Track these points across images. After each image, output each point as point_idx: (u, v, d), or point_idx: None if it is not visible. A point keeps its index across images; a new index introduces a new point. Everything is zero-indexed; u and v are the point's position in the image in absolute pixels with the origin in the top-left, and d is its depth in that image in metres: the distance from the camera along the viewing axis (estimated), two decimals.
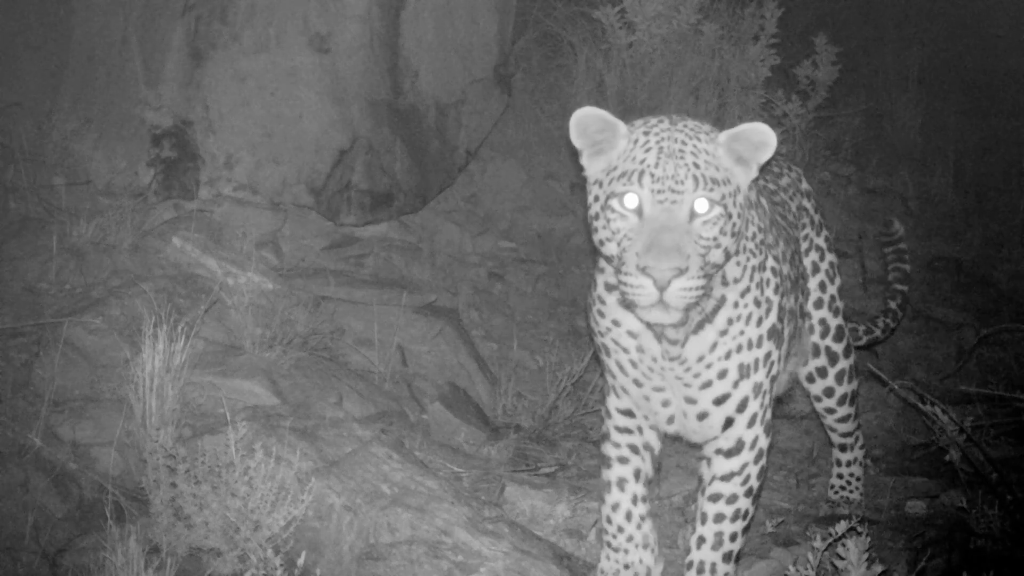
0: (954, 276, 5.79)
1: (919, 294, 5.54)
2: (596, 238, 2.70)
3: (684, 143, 2.65)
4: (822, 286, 3.54)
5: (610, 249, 2.66)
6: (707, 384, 2.88)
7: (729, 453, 2.92)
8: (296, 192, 4.93)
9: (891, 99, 7.24)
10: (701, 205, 2.59)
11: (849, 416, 3.69)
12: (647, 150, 2.64)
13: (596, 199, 2.69)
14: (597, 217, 2.68)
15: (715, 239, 2.61)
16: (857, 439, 3.79)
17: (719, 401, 2.89)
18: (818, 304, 3.54)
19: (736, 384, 2.88)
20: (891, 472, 4.12)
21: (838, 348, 3.57)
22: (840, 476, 3.81)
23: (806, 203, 3.59)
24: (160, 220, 4.71)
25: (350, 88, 5.01)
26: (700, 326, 2.82)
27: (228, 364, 3.93)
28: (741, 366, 2.87)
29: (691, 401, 2.92)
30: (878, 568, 2.71)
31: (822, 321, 3.54)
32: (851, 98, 7.07)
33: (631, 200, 2.60)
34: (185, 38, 4.91)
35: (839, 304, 3.59)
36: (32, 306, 4.08)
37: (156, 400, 3.40)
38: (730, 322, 2.84)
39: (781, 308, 3.00)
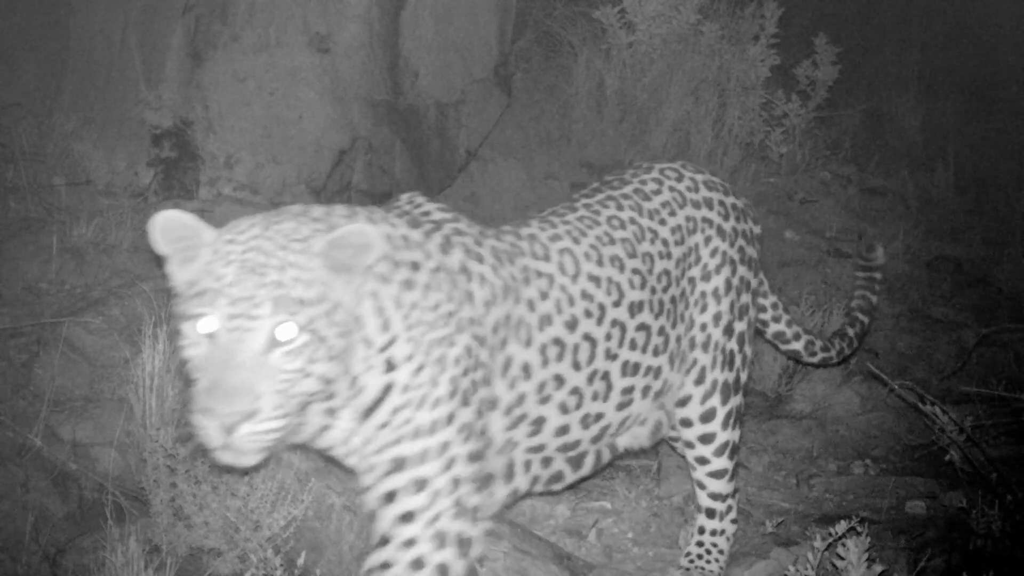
0: (954, 276, 5.79)
1: (919, 294, 5.54)
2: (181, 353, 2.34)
3: (269, 255, 2.28)
4: (717, 319, 3.07)
5: (187, 370, 2.30)
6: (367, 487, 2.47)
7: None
8: (296, 192, 4.92)
9: (891, 99, 7.25)
10: (284, 331, 2.23)
11: (726, 472, 3.20)
12: (227, 264, 2.27)
13: (179, 315, 2.31)
14: (178, 332, 2.31)
15: (302, 369, 2.25)
16: (730, 508, 3.27)
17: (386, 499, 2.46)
18: (704, 346, 3.06)
19: (388, 475, 2.44)
20: (891, 472, 4.12)
21: (723, 406, 3.11)
22: (700, 544, 3.30)
23: (699, 213, 3.08)
24: None
25: (350, 88, 5.01)
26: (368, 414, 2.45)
27: None
28: (396, 459, 2.44)
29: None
30: (878, 568, 2.71)
31: (719, 347, 3.08)
32: (851, 98, 7.07)
33: (206, 324, 2.23)
34: (185, 38, 4.91)
35: (735, 349, 3.13)
36: (32, 306, 4.08)
37: (156, 400, 3.40)
38: (395, 411, 2.45)
39: (472, 387, 2.51)
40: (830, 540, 2.79)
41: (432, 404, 2.46)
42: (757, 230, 3.33)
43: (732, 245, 3.15)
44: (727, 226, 3.15)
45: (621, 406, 2.86)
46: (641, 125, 5.97)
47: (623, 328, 2.83)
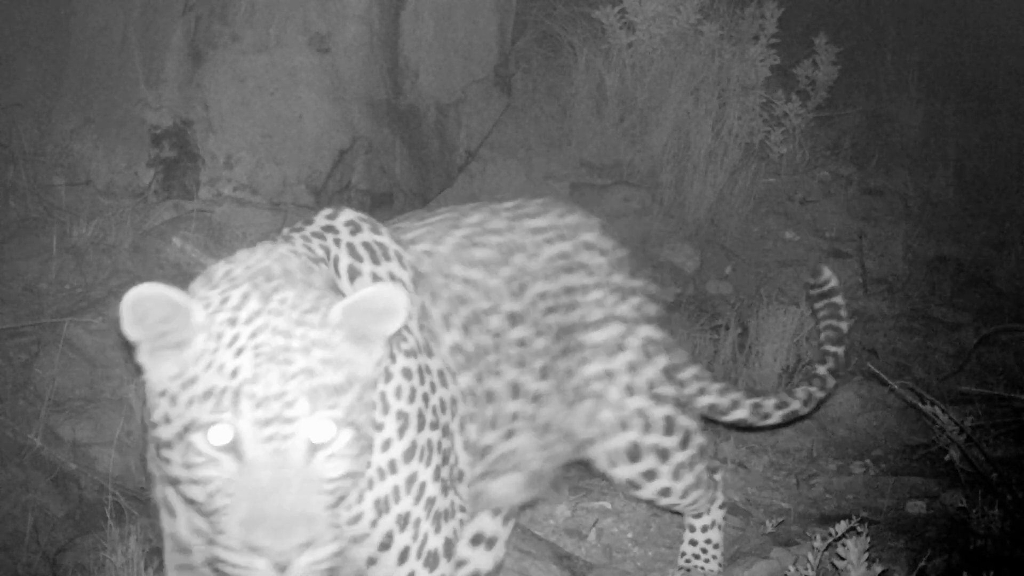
0: (954, 276, 5.78)
1: (919, 294, 5.54)
2: (170, 472, 1.91)
3: (289, 335, 1.89)
4: (631, 367, 2.79)
5: (195, 494, 1.88)
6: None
7: None
8: (296, 192, 4.92)
9: (891, 99, 7.24)
10: (323, 432, 1.86)
11: (698, 497, 3.06)
12: (239, 353, 1.86)
13: (167, 420, 1.88)
14: (170, 446, 1.87)
15: (349, 473, 1.91)
16: (713, 499, 3.18)
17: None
18: (628, 390, 2.79)
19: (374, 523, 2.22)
20: (891, 472, 4.12)
21: (669, 442, 2.87)
22: (694, 543, 3.24)
23: (587, 258, 2.76)
24: (160, 220, 4.71)
25: (350, 88, 5.01)
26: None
27: None
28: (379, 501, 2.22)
29: None
30: (878, 568, 2.71)
31: (639, 412, 2.81)
32: (851, 98, 7.06)
33: (220, 435, 1.83)
34: (185, 38, 4.91)
35: (665, 390, 2.86)
36: (32, 306, 4.08)
37: None
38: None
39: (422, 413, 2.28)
40: (830, 540, 2.79)
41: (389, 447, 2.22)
42: (652, 289, 2.98)
43: (624, 300, 2.83)
44: (617, 279, 2.83)
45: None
46: (641, 125, 5.97)
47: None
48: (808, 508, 3.85)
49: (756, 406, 3.21)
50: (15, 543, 3.15)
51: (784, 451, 4.27)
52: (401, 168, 5.18)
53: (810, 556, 2.81)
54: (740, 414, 3.20)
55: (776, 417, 3.28)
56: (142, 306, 1.88)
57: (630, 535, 3.62)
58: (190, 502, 1.93)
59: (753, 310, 4.69)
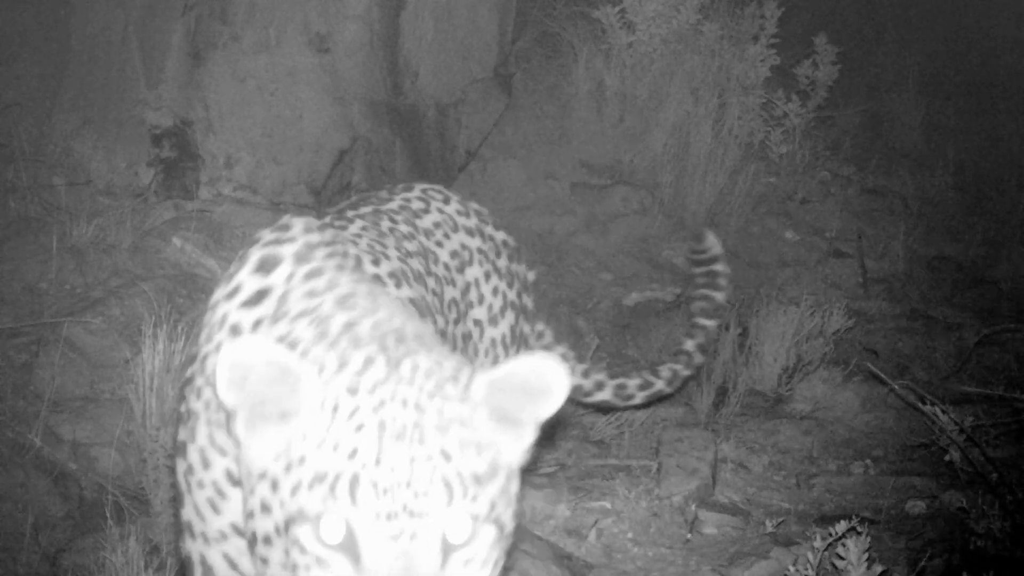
0: (954, 276, 5.78)
1: (919, 294, 5.54)
2: (269, 573, 1.63)
3: (422, 409, 1.58)
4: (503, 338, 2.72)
5: None
6: None
7: None
8: (296, 192, 4.93)
9: (891, 99, 7.24)
10: (461, 530, 1.56)
11: None
12: (359, 428, 1.55)
13: (266, 509, 1.60)
14: (269, 542, 1.61)
15: None
16: None
17: None
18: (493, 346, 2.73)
19: None
20: (891, 472, 4.12)
21: None
22: None
23: (471, 242, 2.67)
24: (160, 220, 4.71)
25: (350, 88, 5.01)
26: None
27: None
28: None
29: None
30: (878, 568, 2.71)
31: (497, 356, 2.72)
32: (851, 98, 7.07)
33: (334, 530, 1.53)
34: (185, 38, 4.91)
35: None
36: (32, 306, 4.08)
37: (156, 400, 3.40)
38: None
39: None
40: (830, 540, 2.79)
41: None
42: (532, 276, 2.96)
43: (511, 287, 2.77)
44: (502, 265, 2.76)
45: None
46: (641, 125, 5.97)
47: None
48: (808, 508, 3.85)
49: (620, 387, 3.24)
50: (15, 543, 3.15)
51: (784, 451, 4.27)
52: (401, 168, 5.18)
53: (810, 556, 2.81)
54: (604, 395, 3.24)
55: (640, 398, 3.29)
56: (242, 367, 1.57)
57: (630, 535, 3.62)
58: None
59: (753, 310, 4.69)
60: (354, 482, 1.52)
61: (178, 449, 1.98)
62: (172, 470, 2.01)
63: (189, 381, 2.02)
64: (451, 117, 5.47)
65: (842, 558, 2.72)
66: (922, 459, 4.15)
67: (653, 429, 4.16)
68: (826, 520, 3.51)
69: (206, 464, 1.89)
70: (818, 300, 4.86)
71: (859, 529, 2.76)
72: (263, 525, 1.61)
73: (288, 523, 1.56)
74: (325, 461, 1.54)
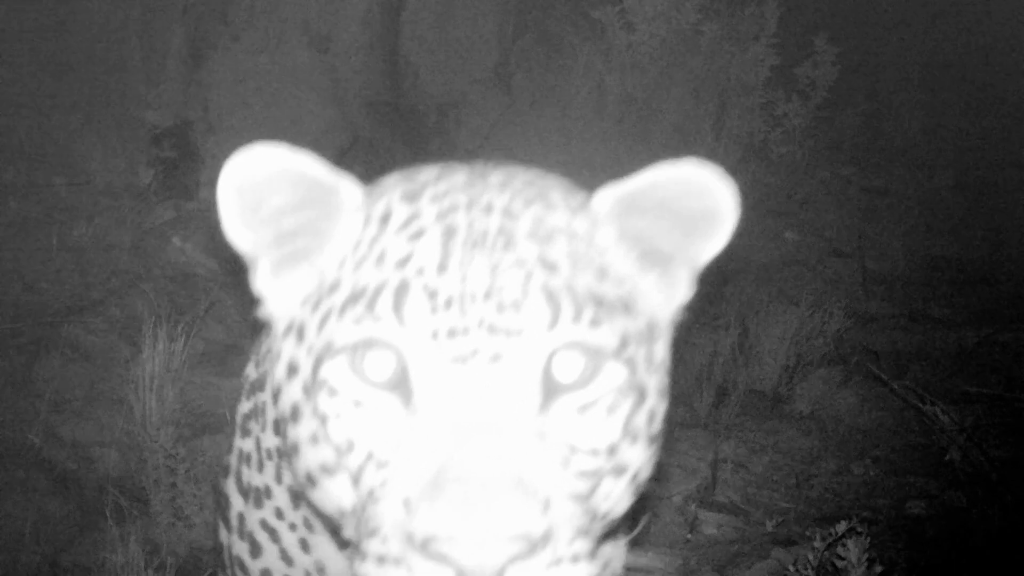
0: (954, 276, 5.78)
1: (919, 294, 5.54)
2: (300, 465, 1.23)
3: (513, 215, 1.22)
4: None
5: (335, 492, 1.20)
6: None
7: None
8: None
9: (891, 99, 7.25)
10: (572, 363, 1.17)
11: None
12: (416, 235, 1.20)
13: (292, 370, 1.24)
14: (297, 416, 1.22)
15: (611, 448, 1.19)
16: None
17: None
18: None
19: None
20: (891, 472, 4.12)
21: None
22: None
23: None
24: (160, 220, 4.72)
25: (350, 88, 5.02)
26: None
27: (228, 364, 3.93)
28: None
29: None
30: (878, 568, 2.71)
31: None
32: (851, 98, 7.07)
33: (375, 359, 1.16)
34: (185, 38, 4.91)
35: None
36: (32, 306, 4.08)
37: (156, 400, 3.40)
38: None
39: None
40: (830, 540, 2.79)
41: None
42: None
43: None
44: None
45: None
46: (641, 125, 5.98)
47: None
48: (808, 508, 3.85)
49: None
50: (15, 543, 3.15)
51: (784, 451, 4.26)
52: (401, 168, 5.19)
53: (810, 556, 2.81)
54: None
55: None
56: (256, 186, 1.26)
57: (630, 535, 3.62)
58: (317, 512, 1.29)
59: (753, 310, 4.68)
60: (401, 291, 1.15)
61: (253, 496, 1.54)
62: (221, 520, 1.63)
63: (253, 415, 1.56)
64: (451, 117, 5.47)
65: (842, 558, 2.72)
66: (922, 459, 4.14)
67: None
68: (826, 520, 3.51)
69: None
70: (818, 300, 4.86)
71: (859, 529, 2.76)
72: (290, 394, 1.23)
73: (316, 368, 1.19)
74: (365, 277, 1.18)
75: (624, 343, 1.21)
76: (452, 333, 1.14)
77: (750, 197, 5.89)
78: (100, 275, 4.33)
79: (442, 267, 1.17)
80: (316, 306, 1.24)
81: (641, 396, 1.23)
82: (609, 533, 1.32)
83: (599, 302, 1.20)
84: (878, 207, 6.34)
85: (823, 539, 2.80)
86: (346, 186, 1.27)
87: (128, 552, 2.91)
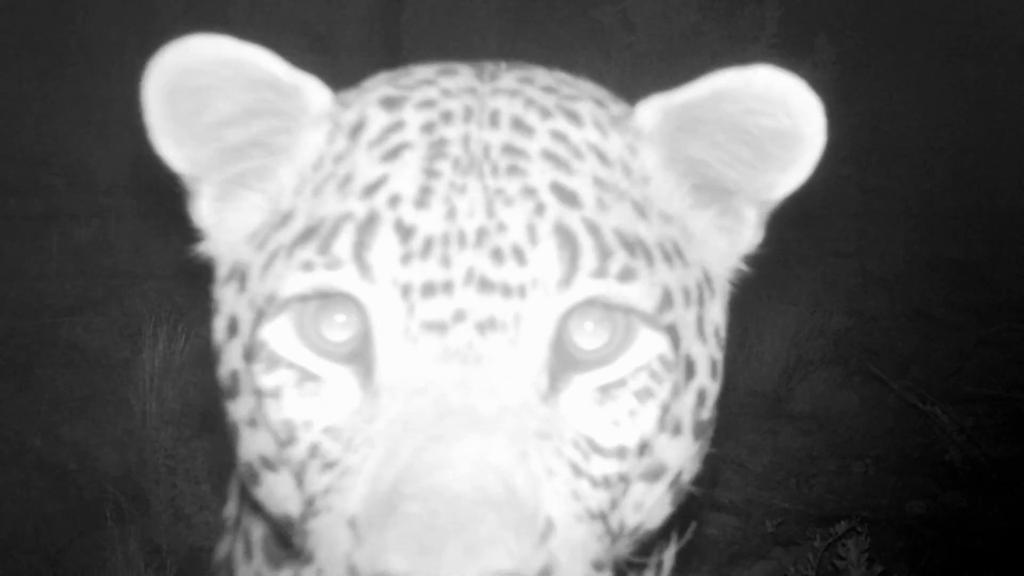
0: (954, 276, 5.78)
1: (919, 294, 5.54)
2: (240, 454, 1.02)
3: (526, 128, 0.97)
4: None
5: (278, 492, 0.97)
6: None
7: None
8: None
9: (891, 99, 7.24)
10: (592, 330, 0.94)
11: None
12: (390, 154, 0.96)
13: (232, 329, 1.00)
14: (235, 389, 1.01)
15: (644, 445, 0.94)
16: None
17: None
18: None
19: None
20: (891, 472, 4.12)
21: None
22: None
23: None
24: (160, 220, 4.72)
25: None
26: None
27: None
28: None
29: None
30: (878, 568, 2.71)
31: None
32: (851, 98, 7.06)
33: (335, 326, 0.94)
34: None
35: None
36: (32, 306, 4.08)
37: (156, 400, 3.40)
38: None
39: None
40: (830, 540, 2.79)
41: None
42: None
43: None
44: None
45: None
46: None
47: None
48: (808, 508, 3.84)
49: None
50: (15, 543, 3.15)
51: (784, 451, 4.26)
52: None
53: (810, 556, 2.81)
54: None
55: None
56: (194, 87, 1.00)
57: None
58: (274, 518, 1.00)
59: (753, 310, 4.68)
60: (367, 227, 0.89)
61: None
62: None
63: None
64: None
65: (842, 558, 2.72)
66: (922, 459, 4.14)
67: None
68: (826, 520, 3.51)
69: None
70: (818, 300, 4.85)
71: (859, 529, 2.76)
72: (229, 360, 0.99)
73: (255, 326, 0.94)
74: (323, 207, 0.93)
75: (667, 302, 0.93)
76: (430, 289, 0.88)
77: None
78: (100, 275, 4.33)
79: (423, 197, 0.90)
80: (262, 244, 0.97)
81: (688, 373, 0.96)
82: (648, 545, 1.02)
83: (634, 247, 0.92)
84: (878, 207, 6.34)
85: (823, 539, 2.80)
86: (310, 88, 1.07)
87: (128, 552, 2.90)
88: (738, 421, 4.30)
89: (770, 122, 1.04)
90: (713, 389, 1.02)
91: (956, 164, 6.69)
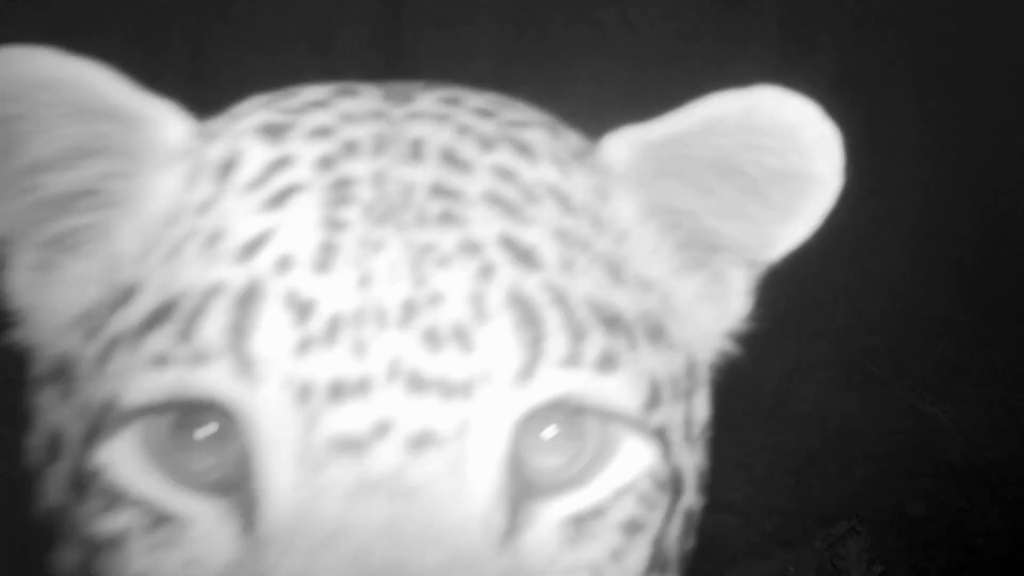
0: (954, 276, 5.78)
1: (919, 294, 5.54)
2: None
3: (459, 164, 0.74)
4: None
5: None
6: None
7: None
8: None
9: (891, 99, 7.24)
10: (561, 440, 0.69)
11: None
12: (280, 197, 0.70)
13: (54, 449, 0.76)
14: (57, 527, 0.76)
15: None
16: None
17: None
18: None
19: None
20: (891, 472, 4.12)
21: None
22: None
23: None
24: None
25: None
26: None
27: None
28: None
29: None
30: (878, 568, 2.71)
31: None
32: (851, 98, 7.06)
33: (203, 445, 0.66)
34: (185, 38, 4.92)
35: None
36: None
37: None
38: None
39: None
40: (830, 540, 2.79)
41: None
42: None
43: None
44: None
45: None
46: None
47: None
48: (808, 508, 3.84)
49: None
50: (15, 543, 3.15)
51: (784, 451, 4.26)
52: None
53: (810, 556, 2.80)
54: None
55: None
56: (2, 116, 0.73)
57: None
58: None
59: (754, 309, 4.68)
60: (247, 302, 0.65)
61: None
62: None
63: None
64: None
65: (842, 558, 2.72)
66: (922, 459, 4.14)
67: None
68: (826, 520, 3.51)
69: None
70: (818, 300, 4.85)
71: (859, 529, 2.76)
72: (51, 491, 0.76)
73: (86, 446, 0.69)
74: (181, 276, 0.68)
75: (655, 398, 0.73)
76: (338, 391, 0.63)
77: None
78: None
79: (324, 258, 0.65)
80: (96, 330, 0.71)
81: (676, 491, 0.79)
82: None
83: (612, 323, 0.70)
84: (878, 206, 6.34)
85: (823, 539, 2.79)
86: (162, 117, 0.78)
87: None
88: (738, 421, 4.30)
89: (776, 162, 0.82)
90: (699, 509, 0.86)
91: (957, 163, 6.69)
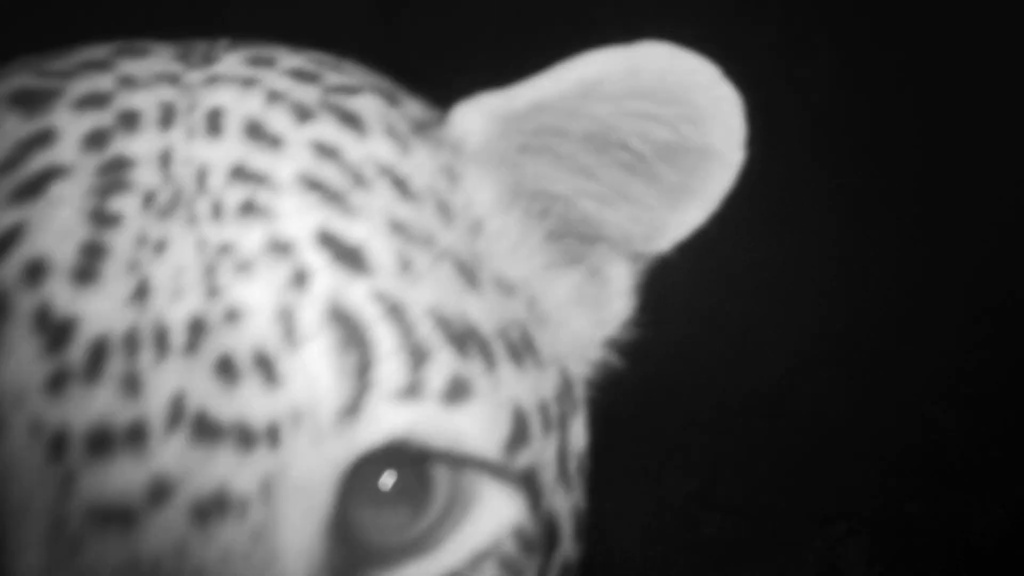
0: (954, 275, 5.78)
1: (919, 294, 5.54)
2: None
3: (267, 139, 0.58)
4: None
5: None
6: None
7: None
8: None
9: (891, 99, 7.25)
10: (399, 495, 0.54)
11: None
12: (33, 187, 0.53)
13: None
14: None
15: None
16: None
17: None
18: None
19: None
20: (891, 472, 4.12)
21: None
22: None
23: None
24: None
25: None
26: None
27: None
28: None
29: None
30: (878, 568, 2.71)
31: None
32: (851, 98, 7.07)
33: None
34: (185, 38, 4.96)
35: None
36: None
37: None
38: None
39: None
40: (830, 540, 2.79)
41: None
42: None
43: None
44: None
45: None
46: None
47: None
48: (808, 508, 3.84)
49: None
50: None
51: (784, 451, 4.26)
52: None
53: (810, 556, 2.80)
54: None
55: None
56: None
57: (631, 536, 3.62)
58: None
59: (753, 309, 4.68)
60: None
61: None
62: None
63: None
64: None
65: (842, 558, 2.72)
66: (922, 459, 4.14)
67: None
68: (826, 520, 3.51)
69: None
70: (818, 300, 4.86)
71: (859, 529, 2.76)
72: None
73: None
74: None
75: (520, 433, 0.59)
76: (103, 443, 0.49)
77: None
78: None
79: (88, 264, 0.52)
80: None
81: (549, 545, 0.62)
82: None
83: (464, 340, 0.57)
84: (878, 206, 6.34)
85: (823, 539, 2.80)
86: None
87: None
88: (738, 421, 4.30)
89: (665, 133, 0.67)
90: (576, 556, 0.67)
91: (958, 163, 6.69)
